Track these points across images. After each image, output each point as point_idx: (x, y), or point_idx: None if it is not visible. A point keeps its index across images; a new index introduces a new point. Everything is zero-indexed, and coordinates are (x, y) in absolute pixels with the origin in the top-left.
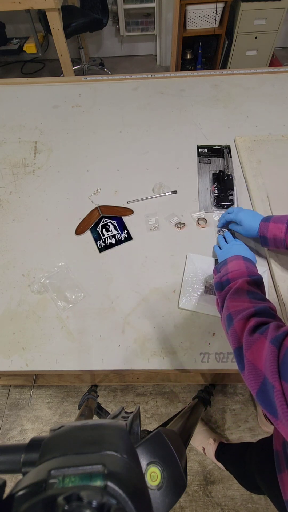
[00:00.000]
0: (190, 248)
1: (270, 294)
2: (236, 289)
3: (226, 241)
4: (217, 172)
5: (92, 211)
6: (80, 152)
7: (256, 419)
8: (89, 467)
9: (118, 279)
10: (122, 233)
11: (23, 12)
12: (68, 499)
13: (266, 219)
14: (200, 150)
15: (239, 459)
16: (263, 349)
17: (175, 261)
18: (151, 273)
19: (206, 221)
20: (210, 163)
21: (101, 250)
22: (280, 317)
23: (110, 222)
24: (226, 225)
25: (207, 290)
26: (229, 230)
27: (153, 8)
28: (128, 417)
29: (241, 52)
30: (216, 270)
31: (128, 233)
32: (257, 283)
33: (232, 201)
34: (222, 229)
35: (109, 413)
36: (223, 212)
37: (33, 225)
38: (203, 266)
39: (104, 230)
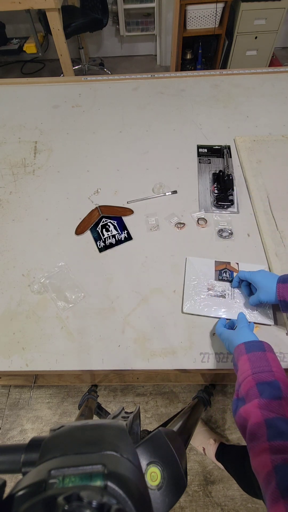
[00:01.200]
0: (190, 248)
1: None
2: (251, 432)
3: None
4: (217, 172)
5: (92, 211)
6: (80, 152)
7: None
8: (89, 467)
9: (118, 279)
10: (122, 233)
11: (23, 12)
12: (68, 499)
13: (284, 280)
14: (200, 150)
15: (240, 462)
16: None
17: (175, 261)
18: (151, 273)
19: (206, 221)
20: (210, 163)
21: (101, 250)
22: None
23: (110, 222)
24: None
25: (209, 292)
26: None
27: (153, 8)
28: (128, 417)
29: (241, 52)
30: (234, 366)
31: (128, 233)
32: (265, 386)
33: (232, 201)
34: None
35: (109, 413)
36: (223, 212)
37: (33, 225)
38: (203, 268)
39: (104, 230)
